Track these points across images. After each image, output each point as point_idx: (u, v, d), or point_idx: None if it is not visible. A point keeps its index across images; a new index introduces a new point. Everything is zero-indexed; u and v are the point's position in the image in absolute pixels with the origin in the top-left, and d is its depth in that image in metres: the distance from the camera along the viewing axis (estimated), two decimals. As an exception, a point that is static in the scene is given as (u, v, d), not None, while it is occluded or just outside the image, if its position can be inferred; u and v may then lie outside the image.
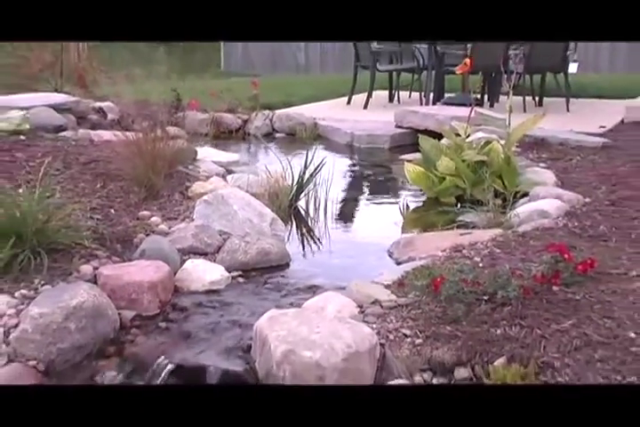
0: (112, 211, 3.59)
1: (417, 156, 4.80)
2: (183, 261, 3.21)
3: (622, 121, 6.41)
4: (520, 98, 6.96)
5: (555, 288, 2.60)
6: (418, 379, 2.34)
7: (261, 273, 3.27)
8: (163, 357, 2.53)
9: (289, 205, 4.13)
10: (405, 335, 2.50)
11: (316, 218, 4.16)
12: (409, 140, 5.84)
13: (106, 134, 4.91)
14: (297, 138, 6.40)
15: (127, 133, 4.28)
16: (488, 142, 4.54)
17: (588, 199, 3.95)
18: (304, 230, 4.03)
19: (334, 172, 4.54)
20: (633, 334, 2.30)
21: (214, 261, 3.29)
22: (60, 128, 5.08)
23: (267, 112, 6.72)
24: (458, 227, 3.71)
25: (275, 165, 4.31)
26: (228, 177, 4.43)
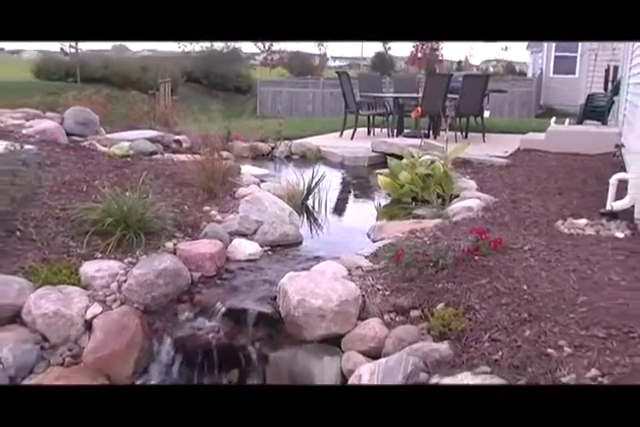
0: (186, 207, 3.57)
1: (386, 170, 4.77)
2: (231, 240, 3.18)
3: (519, 148, 6.36)
4: (453, 133, 6.92)
5: (476, 258, 2.58)
6: (386, 317, 2.33)
7: (283, 248, 3.24)
8: (219, 302, 2.53)
9: (301, 203, 4.09)
10: (378, 289, 2.49)
11: (319, 211, 4.13)
12: (381, 160, 5.78)
13: (182, 157, 4.87)
14: (307, 159, 6.35)
15: (195, 156, 4.26)
16: (433, 162, 4.51)
17: (497, 199, 3.92)
18: (311, 220, 4.00)
19: (331, 181, 4.53)
20: (525, 287, 2.29)
21: (252, 240, 3.26)
22: (153, 153, 5.05)
23: (287, 142, 6.67)
24: (413, 218, 3.68)
25: (292, 176, 4.28)
26: (262, 184, 4.40)
